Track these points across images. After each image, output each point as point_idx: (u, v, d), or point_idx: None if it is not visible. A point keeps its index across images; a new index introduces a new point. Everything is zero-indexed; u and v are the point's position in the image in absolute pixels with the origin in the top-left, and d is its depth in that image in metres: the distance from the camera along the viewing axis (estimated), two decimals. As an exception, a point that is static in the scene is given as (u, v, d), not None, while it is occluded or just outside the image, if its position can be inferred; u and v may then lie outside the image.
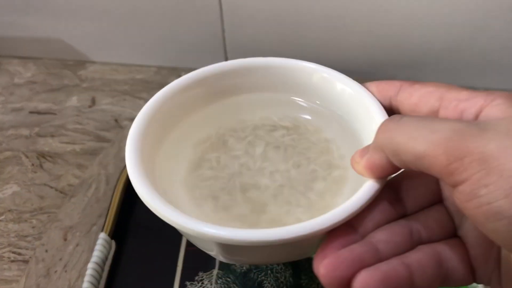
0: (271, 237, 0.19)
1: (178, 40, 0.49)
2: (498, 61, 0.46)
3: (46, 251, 0.36)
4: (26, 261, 0.35)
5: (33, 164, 0.42)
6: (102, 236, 0.35)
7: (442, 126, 0.17)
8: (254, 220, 0.24)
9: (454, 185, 0.16)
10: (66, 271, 0.34)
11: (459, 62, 0.47)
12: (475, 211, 0.16)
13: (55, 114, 0.47)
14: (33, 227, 0.37)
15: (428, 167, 0.17)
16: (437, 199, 0.22)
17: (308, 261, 0.33)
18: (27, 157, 0.43)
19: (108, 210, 0.36)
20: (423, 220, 0.21)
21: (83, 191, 0.40)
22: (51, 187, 0.40)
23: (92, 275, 0.32)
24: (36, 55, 0.53)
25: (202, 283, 0.33)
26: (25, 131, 0.45)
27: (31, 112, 0.47)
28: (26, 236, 0.37)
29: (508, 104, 0.18)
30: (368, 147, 0.21)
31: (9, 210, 0.38)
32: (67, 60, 0.53)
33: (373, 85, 0.25)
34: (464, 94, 0.20)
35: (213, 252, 0.23)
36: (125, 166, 0.40)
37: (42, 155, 0.43)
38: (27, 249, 0.36)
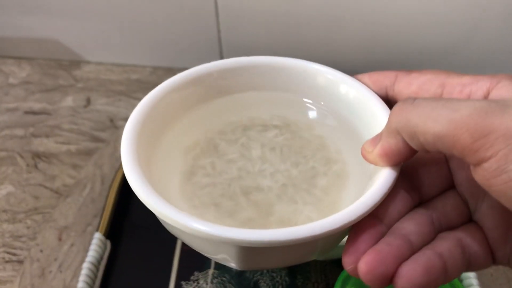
0: (301, 234, 0.18)
1: (174, 40, 0.49)
2: (494, 60, 0.47)
3: (41, 251, 0.36)
4: (20, 262, 0.35)
5: (28, 165, 0.42)
6: (97, 236, 0.34)
7: (464, 104, 0.17)
8: (262, 222, 0.23)
9: (478, 163, 0.17)
10: (61, 271, 0.34)
11: (456, 62, 0.47)
12: (503, 186, 0.16)
13: (50, 114, 0.47)
14: (27, 228, 0.37)
15: (450, 147, 0.17)
16: (449, 185, 0.22)
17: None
18: (22, 157, 0.42)
19: (103, 210, 0.36)
20: (440, 208, 0.21)
21: (78, 191, 0.40)
22: (46, 187, 0.40)
23: (87, 275, 0.32)
24: (31, 55, 0.53)
25: (198, 282, 0.33)
26: (20, 131, 0.45)
27: (26, 112, 0.47)
28: (20, 237, 0.37)
29: None
30: (379, 134, 0.21)
31: (3, 211, 0.38)
32: (62, 60, 0.53)
33: (365, 76, 0.25)
34: (467, 79, 0.20)
35: (221, 256, 0.21)
36: (120, 166, 0.40)
37: (37, 155, 0.43)
38: (21, 249, 0.36)
